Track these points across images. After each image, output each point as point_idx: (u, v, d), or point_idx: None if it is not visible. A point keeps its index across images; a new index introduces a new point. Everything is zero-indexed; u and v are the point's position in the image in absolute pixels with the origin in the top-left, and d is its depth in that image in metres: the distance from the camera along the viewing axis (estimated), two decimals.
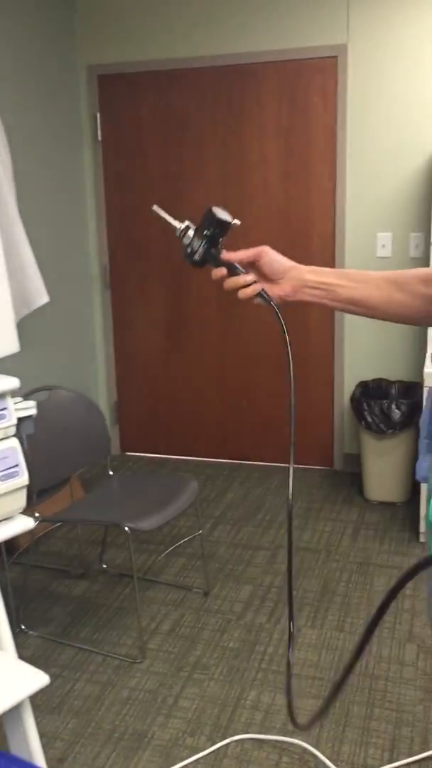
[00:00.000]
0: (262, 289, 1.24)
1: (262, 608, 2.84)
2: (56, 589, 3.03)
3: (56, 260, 3.92)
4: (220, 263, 1.24)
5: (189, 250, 1.25)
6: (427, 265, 3.63)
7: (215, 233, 1.23)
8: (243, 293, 1.25)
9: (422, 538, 3.29)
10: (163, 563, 3.20)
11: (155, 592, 2.98)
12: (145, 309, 4.28)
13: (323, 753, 2.10)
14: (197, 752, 2.12)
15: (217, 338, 4.20)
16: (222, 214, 1.23)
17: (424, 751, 2.09)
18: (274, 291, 1.26)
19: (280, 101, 3.83)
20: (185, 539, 3.35)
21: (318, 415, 4.13)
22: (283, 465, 4.20)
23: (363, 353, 3.97)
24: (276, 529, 3.48)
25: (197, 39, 3.87)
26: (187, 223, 1.25)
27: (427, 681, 2.40)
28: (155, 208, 1.27)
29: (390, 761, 2.07)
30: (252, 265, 1.26)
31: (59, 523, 3.51)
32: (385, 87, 3.67)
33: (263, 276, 1.27)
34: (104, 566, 3.18)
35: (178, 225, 1.25)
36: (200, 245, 1.24)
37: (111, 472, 3.04)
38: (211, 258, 1.25)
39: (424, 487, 3.19)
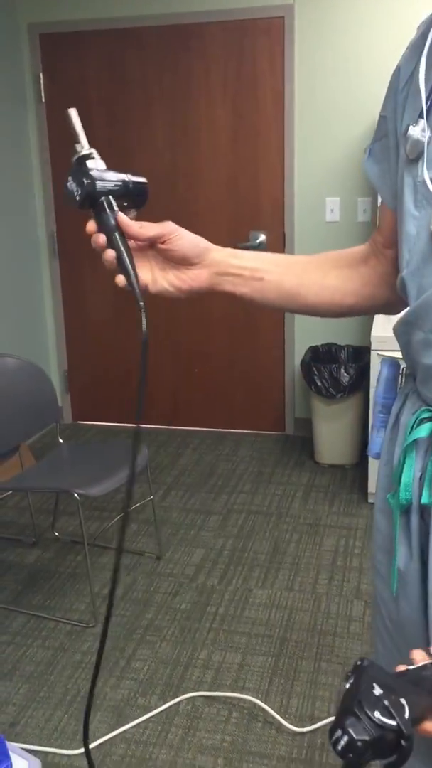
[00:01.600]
0: (130, 260, 0.99)
1: (213, 570, 2.87)
2: (8, 557, 3.02)
3: (1, 227, 3.83)
4: (108, 222, 1.01)
5: (86, 181, 1.00)
6: (373, 230, 3.65)
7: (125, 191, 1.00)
8: (107, 260, 1.00)
9: (371, 499, 3.36)
10: (115, 529, 3.21)
11: (108, 558, 2.99)
12: (95, 276, 4.22)
13: (272, 707, 2.15)
14: (149, 711, 2.16)
15: (168, 304, 4.17)
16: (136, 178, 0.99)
17: None
18: (183, 279, 1.02)
19: (226, 63, 3.78)
20: (137, 505, 3.36)
21: (270, 380, 4.16)
22: (234, 430, 4.23)
23: (313, 318, 3.97)
24: (228, 494, 3.51)
25: None
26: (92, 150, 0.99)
27: (373, 635, 2.46)
28: (71, 111, 0.97)
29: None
30: (152, 246, 1.00)
31: (9, 492, 3.48)
32: (332, 48, 3.65)
33: (169, 261, 1.01)
34: (56, 534, 3.17)
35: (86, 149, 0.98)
36: (104, 186, 1.00)
37: (61, 440, 3.02)
38: (103, 209, 1.01)
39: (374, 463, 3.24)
